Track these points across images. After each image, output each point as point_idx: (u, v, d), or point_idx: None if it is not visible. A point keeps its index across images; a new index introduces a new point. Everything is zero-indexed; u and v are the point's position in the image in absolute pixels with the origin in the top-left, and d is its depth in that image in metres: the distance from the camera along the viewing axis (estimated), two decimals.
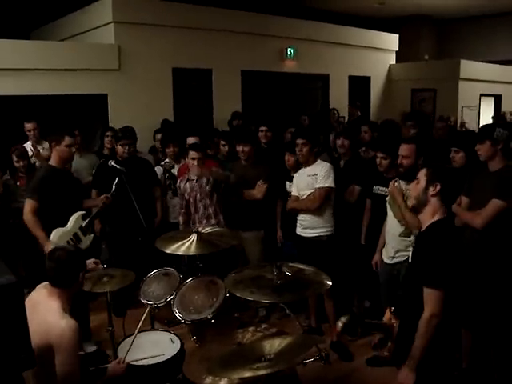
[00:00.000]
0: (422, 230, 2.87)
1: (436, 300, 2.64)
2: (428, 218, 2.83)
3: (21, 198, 5.67)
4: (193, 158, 5.13)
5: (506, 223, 3.88)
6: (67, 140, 4.65)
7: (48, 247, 4.32)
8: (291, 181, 5.20)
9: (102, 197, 5.01)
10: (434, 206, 2.80)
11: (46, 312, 2.77)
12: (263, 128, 6.56)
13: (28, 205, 4.60)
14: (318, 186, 4.81)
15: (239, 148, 5.37)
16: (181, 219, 5.42)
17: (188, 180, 5.31)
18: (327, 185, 4.81)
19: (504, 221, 3.87)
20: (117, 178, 4.99)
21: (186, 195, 5.29)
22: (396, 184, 4.23)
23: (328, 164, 4.97)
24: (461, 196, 4.11)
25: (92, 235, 4.91)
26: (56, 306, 2.79)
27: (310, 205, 4.83)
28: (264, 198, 5.28)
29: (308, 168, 4.92)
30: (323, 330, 5.00)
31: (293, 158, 5.27)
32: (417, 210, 2.91)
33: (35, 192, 4.61)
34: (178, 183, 5.43)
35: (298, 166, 5.16)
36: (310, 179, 4.88)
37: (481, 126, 5.29)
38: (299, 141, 4.86)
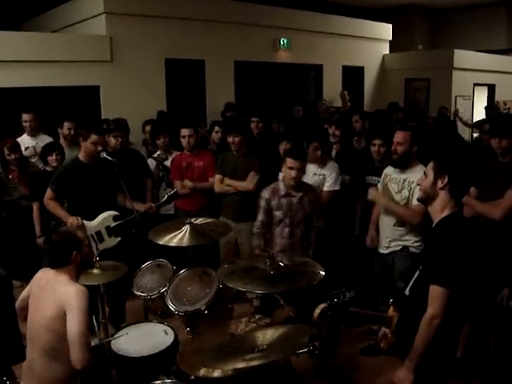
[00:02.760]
0: (433, 225, 2.81)
1: (440, 299, 2.58)
2: (438, 212, 2.76)
3: (13, 192, 5.67)
4: (291, 168, 4.31)
5: None
6: (93, 138, 4.62)
7: (71, 221, 4.44)
8: None
9: (147, 204, 4.96)
10: (443, 200, 2.73)
11: (55, 286, 2.93)
12: (255, 119, 6.54)
13: (47, 193, 4.73)
14: (327, 188, 4.88)
15: (230, 139, 5.35)
16: (257, 241, 4.59)
17: (287, 195, 4.43)
18: (337, 187, 4.91)
19: None
20: (173, 190, 5.14)
21: (278, 213, 4.46)
22: (377, 187, 4.25)
23: (337, 166, 4.99)
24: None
25: (118, 239, 4.75)
26: (64, 278, 2.96)
27: (317, 206, 4.72)
28: (257, 188, 5.25)
29: (313, 165, 4.90)
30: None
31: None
32: (425, 202, 2.87)
33: (53, 182, 4.71)
34: (266, 195, 4.50)
35: None
36: (317, 178, 4.89)
37: (495, 117, 5.19)
38: (318, 144, 4.89)
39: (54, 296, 2.89)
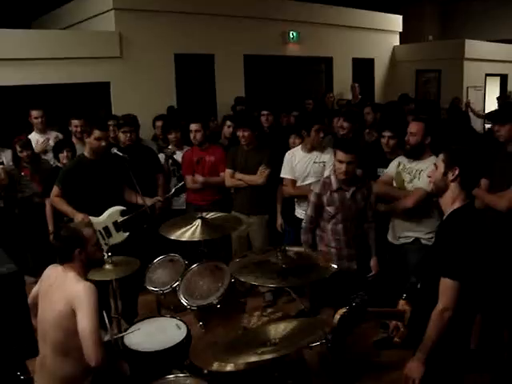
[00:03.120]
0: (444, 218, 2.79)
1: (451, 292, 2.56)
2: (448, 204, 2.74)
3: (26, 189, 5.70)
4: (340, 161, 4.01)
5: None
6: (96, 133, 4.65)
7: (78, 217, 4.46)
8: None
9: (155, 198, 4.98)
10: (454, 192, 2.71)
11: (63, 283, 2.93)
12: (265, 112, 6.54)
13: (54, 190, 4.75)
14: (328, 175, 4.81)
15: (239, 133, 5.33)
16: (305, 237, 4.33)
17: (339, 189, 4.13)
18: None
19: None
20: (180, 184, 5.22)
21: (330, 209, 4.15)
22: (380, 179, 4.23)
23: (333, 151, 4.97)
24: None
25: (126, 234, 4.79)
26: (72, 275, 2.95)
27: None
28: (267, 182, 5.25)
29: (313, 153, 4.92)
30: (319, 312, 5.04)
31: (299, 141, 5.25)
32: (436, 194, 2.85)
33: (60, 179, 4.73)
34: (317, 189, 4.20)
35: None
36: (318, 166, 4.88)
37: (500, 104, 5.17)
38: (319, 127, 4.85)
39: (62, 293, 2.89)
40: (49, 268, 3.17)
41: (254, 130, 5.35)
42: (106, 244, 4.48)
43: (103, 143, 4.70)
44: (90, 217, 4.57)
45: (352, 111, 6.35)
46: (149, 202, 4.86)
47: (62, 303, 2.85)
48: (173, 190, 5.06)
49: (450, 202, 2.73)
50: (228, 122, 6.51)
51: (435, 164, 2.84)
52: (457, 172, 2.68)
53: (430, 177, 2.91)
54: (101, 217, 4.66)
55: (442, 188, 2.75)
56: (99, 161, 4.77)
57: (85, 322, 2.78)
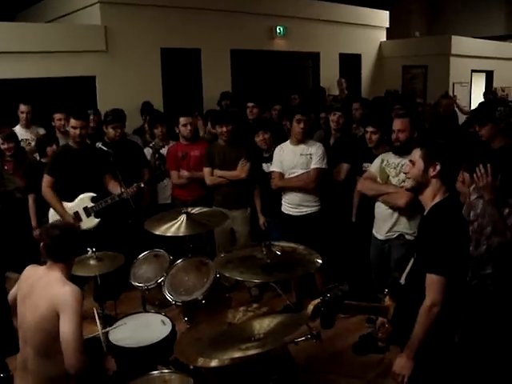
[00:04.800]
0: (425, 213, 2.78)
1: (438, 287, 2.56)
2: (429, 199, 2.73)
3: (8, 183, 5.62)
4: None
5: None
6: (72, 122, 4.93)
7: (66, 218, 4.76)
8: (267, 162, 5.26)
9: (125, 188, 4.92)
10: (435, 187, 2.70)
11: (48, 285, 2.87)
12: (250, 104, 6.54)
13: (44, 180, 4.96)
14: (314, 166, 4.87)
15: (219, 129, 5.33)
16: None
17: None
18: (323, 166, 4.90)
19: None
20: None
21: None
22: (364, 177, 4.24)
23: (321, 145, 5.01)
24: (462, 172, 4.08)
25: (97, 220, 4.95)
26: (58, 276, 2.90)
27: (306, 184, 4.88)
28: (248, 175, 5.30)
29: (300, 146, 4.93)
30: (304, 307, 5.05)
31: (267, 136, 5.30)
32: (416, 191, 2.82)
33: (49, 168, 4.99)
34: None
35: (270, 146, 5.30)
36: (305, 158, 4.89)
37: (478, 105, 5.20)
38: (302, 117, 4.85)
39: (46, 295, 2.82)
40: (28, 268, 3.10)
41: (232, 126, 5.36)
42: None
43: (78, 131, 4.91)
44: (63, 202, 4.88)
45: (346, 107, 6.31)
46: (124, 189, 4.90)
47: (46, 306, 2.79)
48: (148, 180, 5.11)
49: (431, 197, 2.73)
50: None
51: (411, 161, 2.81)
52: (438, 167, 2.67)
53: (406, 173, 2.89)
54: (72, 202, 4.92)
55: (424, 184, 2.74)
56: (82, 150, 5.01)
57: (67, 327, 2.72)
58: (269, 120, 6.83)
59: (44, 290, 2.86)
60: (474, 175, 3.50)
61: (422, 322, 2.60)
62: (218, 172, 5.37)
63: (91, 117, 6.51)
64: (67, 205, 4.91)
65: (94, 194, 4.96)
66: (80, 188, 4.95)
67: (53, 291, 2.82)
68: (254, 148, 5.46)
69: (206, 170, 5.40)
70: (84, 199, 4.95)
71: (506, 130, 4.05)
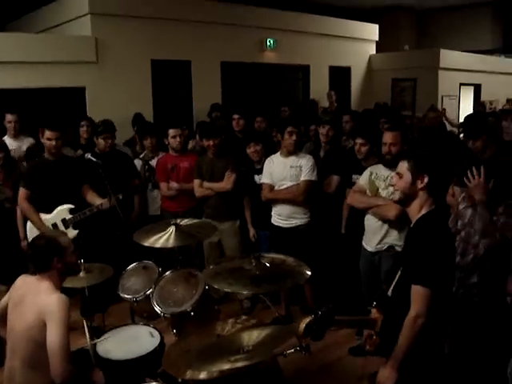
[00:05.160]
0: (411, 225, 2.79)
1: (423, 299, 2.56)
2: (416, 211, 2.74)
3: None
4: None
5: None
6: (47, 133, 4.87)
7: (43, 230, 4.59)
8: (259, 173, 5.26)
9: (103, 200, 4.96)
10: (422, 199, 2.71)
11: (36, 294, 2.87)
12: (235, 116, 6.54)
13: (20, 193, 4.97)
14: (304, 178, 4.88)
15: (207, 142, 5.34)
16: None
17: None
18: (313, 178, 4.91)
19: None
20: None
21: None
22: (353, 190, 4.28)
23: (311, 157, 5.02)
24: (452, 187, 4.10)
25: (76, 231, 4.92)
26: (46, 286, 2.90)
27: (295, 197, 4.88)
28: (235, 187, 5.28)
29: (290, 158, 4.94)
30: (294, 320, 5.05)
31: (259, 147, 5.33)
32: (404, 203, 2.81)
33: (25, 180, 4.98)
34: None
35: (261, 158, 5.32)
36: (294, 170, 4.90)
37: (466, 117, 5.23)
38: (294, 129, 4.87)
39: (34, 304, 2.82)
40: (20, 278, 3.11)
41: (220, 139, 5.39)
42: None
43: (54, 143, 4.88)
44: (41, 214, 4.86)
45: (336, 119, 6.34)
46: (98, 201, 4.98)
47: (33, 315, 2.78)
48: (120, 197, 5.02)
49: (418, 209, 2.74)
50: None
51: (398, 173, 2.81)
52: (426, 180, 2.68)
53: (393, 185, 2.89)
54: (51, 214, 4.89)
55: (411, 197, 2.74)
56: (57, 161, 4.99)
57: (53, 336, 2.71)
58: (261, 132, 6.83)
59: (32, 299, 2.86)
60: (465, 178, 3.52)
61: (406, 334, 2.60)
62: (205, 184, 5.37)
63: (84, 128, 6.50)
64: (45, 216, 4.90)
65: (73, 206, 4.96)
66: (57, 199, 4.93)
67: (40, 300, 2.82)
68: (243, 159, 5.47)
69: (196, 182, 5.41)
70: (62, 211, 4.94)
71: (495, 139, 4.11)
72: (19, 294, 2.96)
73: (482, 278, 3.58)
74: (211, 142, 5.30)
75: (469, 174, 3.51)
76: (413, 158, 2.79)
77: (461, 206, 3.70)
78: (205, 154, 5.51)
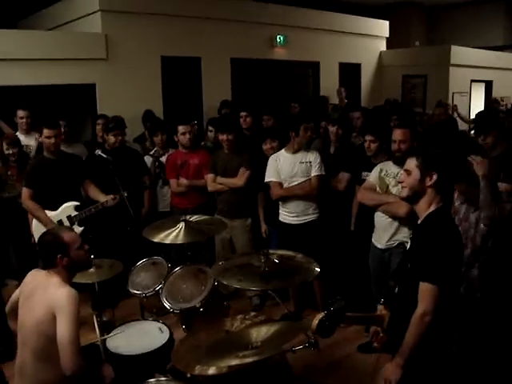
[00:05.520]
0: (419, 221, 2.78)
1: (431, 296, 2.56)
2: (424, 209, 2.73)
3: (12, 189, 5.65)
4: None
5: None
6: (45, 132, 4.91)
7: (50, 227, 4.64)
8: None
9: (109, 197, 4.98)
10: (430, 197, 2.69)
11: (46, 288, 2.88)
12: (243, 113, 6.52)
13: (24, 192, 5.00)
14: (315, 173, 4.90)
15: (222, 137, 5.35)
16: None
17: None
18: (323, 172, 4.94)
19: None
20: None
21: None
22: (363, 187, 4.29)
23: (317, 152, 5.01)
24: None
25: (81, 228, 4.93)
26: (55, 280, 2.90)
27: (308, 192, 4.89)
28: (248, 184, 5.28)
29: (298, 154, 4.94)
30: (302, 316, 5.09)
31: (275, 144, 5.30)
32: (411, 200, 2.80)
33: (27, 180, 5.00)
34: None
35: None
36: (305, 166, 4.91)
37: (478, 114, 5.22)
38: (307, 125, 4.90)
39: (44, 298, 2.84)
40: (31, 272, 3.12)
41: (236, 134, 5.37)
42: None
43: (53, 140, 4.91)
44: (46, 211, 4.89)
45: (344, 117, 6.33)
46: (102, 198, 5.00)
47: (43, 309, 2.80)
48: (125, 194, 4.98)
49: (426, 206, 2.72)
50: (210, 127, 6.51)
51: (406, 170, 2.80)
52: (435, 177, 2.66)
53: (401, 182, 2.88)
54: (56, 211, 4.93)
55: (419, 194, 2.73)
56: (57, 159, 5.02)
57: (64, 330, 2.72)
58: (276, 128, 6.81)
59: (42, 293, 2.87)
60: (469, 158, 3.56)
61: (413, 331, 2.61)
62: (219, 179, 5.39)
63: (100, 126, 6.51)
64: (51, 214, 4.94)
65: (78, 203, 5.01)
66: (60, 197, 4.97)
67: (49, 294, 2.83)
68: (259, 156, 5.45)
69: (209, 177, 5.42)
70: (68, 208, 4.98)
71: (505, 136, 4.10)
72: (29, 289, 2.98)
73: (482, 271, 3.62)
74: (225, 137, 5.30)
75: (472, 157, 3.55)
76: (422, 154, 2.77)
77: (456, 203, 3.74)
78: (221, 149, 5.51)
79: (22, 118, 6.31)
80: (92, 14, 7.91)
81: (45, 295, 2.85)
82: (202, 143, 6.54)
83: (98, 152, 5.03)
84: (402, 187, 2.85)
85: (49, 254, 2.96)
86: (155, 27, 8.30)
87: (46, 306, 2.80)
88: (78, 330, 2.80)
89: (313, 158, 4.92)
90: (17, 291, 3.15)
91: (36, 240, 4.91)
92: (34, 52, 7.18)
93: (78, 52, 7.54)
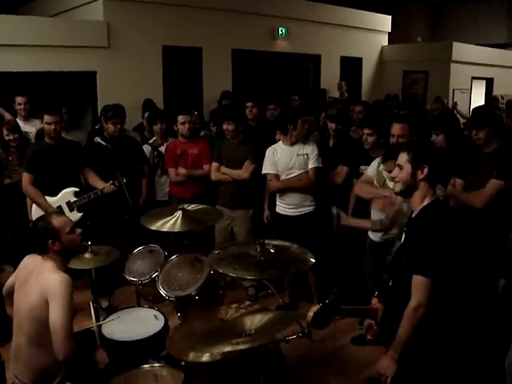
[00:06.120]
0: (413, 215, 2.81)
1: (424, 289, 2.58)
2: (418, 202, 2.75)
3: (13, 174, 5.66)
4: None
5: (502, 203, 3.94)
6: (46, 118, 4.91)
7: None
8: None
9: (107, 183, 4.99)
10: (423, 190, 2.73)
11: (40, 273, 2.90)
12: (249, 104, 6.50)
13: (24, 178, 5.01)
14: (312, 165, 4.91)
15: (224, 126, 5.37)
16: None
17: None
18: (320, 165, 4.95)
19: (500, 201, 3.93)
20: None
21: None
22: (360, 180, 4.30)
23: (315, 144, 5.02)
24: (454, 178, 4.12)
25: (80, 214, 4.98)
26: (50, 265, 2.92)
27: (306, 184, 4.92)
28: (252, 176, 5.29)
29: (296, 147, 4.95)
30: (297, 307, 5.14)
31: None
32: (405, 194, 2.83)
33: (28, 165, 5.02)
34: None
35: None
36: (302, 158, 4.92)
37: (474, 109, 5.26)
38: (305, 118, 4.94)
39: (37, 284, 2.86)
40: (27, 257, 3.13)
41: (238, 124, 5.37)
42: None
43: (53, 127, 4.92)
44: (46, 196, 4.92)
45: (342, 113, 6.32)
46: (100, 185, 5.02)
47: (37, 294, 2.82)
48: (124, 180, 4.96)
49: (420, 200, 2.75)
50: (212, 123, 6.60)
51: (399, 164, 2.82)
52: (426, 170, 2.69)
53: (394, 177, 2.91)
54: (55, 197, 4.96)
55: (412, 188, 2.76)
56: (58, 146, 5.04)
57: (56, 315, 2.74)
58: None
59: (36, 278, 2.89)
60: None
61: (406, 324, 2.63)
62: (223, 169, 5.41)
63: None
64: (50, 199, 4.96)
65: (77, 189, 5.04)
66: (59, 183, 4.99)
67: (42, 280, 2.85)
68: (264, 148, 5.40)
69: (214, 166, 5.45)
70: (67, 194, 5.01)
71: (499, 133, 4.12)
72: (25, 273, 3.00)
73: None
74: (225, 126, 5.34)
75: None
76: (412, 149, 2.81)
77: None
78: (226, 139, 5.53)
79: (20, 104, 6.32)
80: (94, 1, 7.91)
81: (39, 280, 2.86)
82: (202, 133, 6.55)
83: (98, 139, 5.04)
84: (396, 182, 2.88)
85: (40, 239, 2.97)
86: (157, 16, 8.30)
87: (40, 291, 2.81)
88: (71, 316, 2.82)
89: (310, 150, 4.92)
90: (12, 276, 3.17)
91: None
92: (34, 38, 7.16)
93: (80, 39, 7.54)
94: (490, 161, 4.01)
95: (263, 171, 5.09)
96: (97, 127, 6.76)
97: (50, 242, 2.94)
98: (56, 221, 3.01)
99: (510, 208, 3.95)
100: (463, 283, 3.45)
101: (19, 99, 6.30)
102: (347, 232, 4.98)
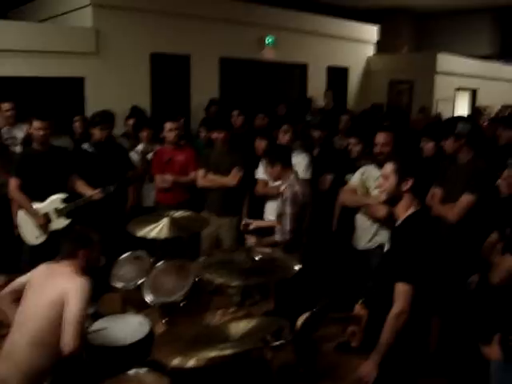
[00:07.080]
0: (397, 224, 2.87)
1: (406, 296, 2.63)
2: (402, 212, 2.82)
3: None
4: None
5: (475, 212, 3.99)
6: (35, 124, 4.90)
7: (39, 221, 4.84)
8: None
9: (96, 190, 5.02)
10: (407, 200, 2.79)
11: (59, 276, 3.05)
12: (235, 113, 6.57)
13: (12, 182, 4.97)
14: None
15: (215, 135, 5.40)
16: None
17: None
18: (308, 176, 5.00)
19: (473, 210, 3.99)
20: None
21: None
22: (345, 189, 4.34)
23: (307, 155, 5.07)
24: (434, 188, 4.18)
25: (67, 221, 4.98)
26: (69, 270, 3.10)
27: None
28: (239, 184, 5.33)
29: None
30: (284, 314, 5.10)
31: (265, 142, 5.34)
32: (391, 204, 2.90)
33: (16, 169, 5.00)
34: None
35: None
36: None
37: (443, 120, 5.36)
38: (288, 128, 4.96)
39: (58, 284, 2.98)
40: (43, 265, 3.24)
41: (228, 132, 5.42)
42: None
43: (42, 132, 4.91)
44: (34, 203, 4.90)
45: (327, 121, 6.39)
46: (90, 192, 5.03)
47: (56, 293, 2.93)
48: (111, 188, 5.05)
49: (404, 209, 2.82)
50: (201, 129, 6.67)
51: (384, 175, 2.89)
52: (410, 183, 2.76)
53: (379, 187, 2.96)
54: (43, 203, 4.95)
55: (397, 198, 2.82)
56: (47, 152, 5.03)
57: (75, 310, 2.87)
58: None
59: (54, 280, 3.02)
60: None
61: (388, 330, 2.68)
62: (210, 176, 5.44)
63: (78, 123, 6.49)
64: (37, 205, 4.96)
65: (66, 196, 5.03)
66: (47, 189, 4.99)
67: (65, 280, 2.99)
68: (250, 156, 5.51)
69: (201, 172, 5.47)
70: (55, 200, 5.00)
71: (472, 143, 4.15)
72: (43, 275, 3.12)
73: None
74: (216, 135, 5.40)
75: None
76: (398, 160, 2.87)
77: None
78: (213, 146, 5.58)
79: (7, 110, 6.27)
80: (83, 7, 7.94)
81: (57, 282, 2.99)
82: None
83: (84, 146, 5.06)
84: (380, 191, 2.93)
85: (76, 244, 3.15)
86: (146, 24, 8.34)
87: (60, 290, 2.94)
88: (85, 318, 2.99)
89: (300, 160, 4.96)
90: (24, 277, 3.25)
91: (20, 233, 4.95)
92: (23, 43, 7.18)
93: (68, 45, 7.57)
94: (464, 172, 4.08)
95: (256, 176, 5.21)
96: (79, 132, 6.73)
97: (82, 250, 3.14)
98: (94, 236, 3.28)
99: (483, 217, 4.02)
100: (439, 289, 3.53)
101: (5, 105, 6.25)
102: (332, 240, 5.05)
